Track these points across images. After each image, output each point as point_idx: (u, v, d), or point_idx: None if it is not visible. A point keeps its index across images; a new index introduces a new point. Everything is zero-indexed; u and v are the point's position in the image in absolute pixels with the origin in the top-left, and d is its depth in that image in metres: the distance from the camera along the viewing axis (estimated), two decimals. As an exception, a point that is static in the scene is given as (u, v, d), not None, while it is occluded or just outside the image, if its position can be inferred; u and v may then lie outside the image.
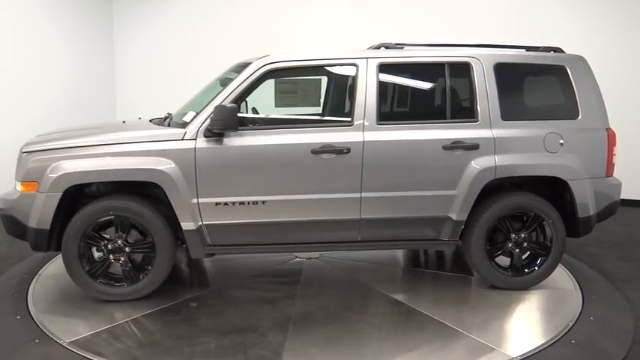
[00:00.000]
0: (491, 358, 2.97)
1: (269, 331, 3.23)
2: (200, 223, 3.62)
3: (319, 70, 4.09)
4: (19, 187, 3.57)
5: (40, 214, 3.50)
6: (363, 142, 3.66)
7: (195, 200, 3.58)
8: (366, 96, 3.71)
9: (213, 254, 3.82)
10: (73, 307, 3.56)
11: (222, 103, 3.50)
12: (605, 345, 3.19)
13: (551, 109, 4.03)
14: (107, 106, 8.63)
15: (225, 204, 3.62)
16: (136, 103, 8.53)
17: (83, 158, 3.52)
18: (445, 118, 3.83)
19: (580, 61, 4.00)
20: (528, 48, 4.12)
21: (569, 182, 3.84)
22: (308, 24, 7.81)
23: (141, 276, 3.67)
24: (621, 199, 4.14)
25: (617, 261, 4.73)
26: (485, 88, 3.81)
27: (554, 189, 4.00)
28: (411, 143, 3.72)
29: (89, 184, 3.74)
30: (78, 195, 3.72)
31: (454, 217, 3.79)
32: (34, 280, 4.05)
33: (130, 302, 3.62)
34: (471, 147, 3.73)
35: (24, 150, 3.64)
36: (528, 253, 4.00)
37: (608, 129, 3.95)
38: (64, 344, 3.04)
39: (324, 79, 4.65)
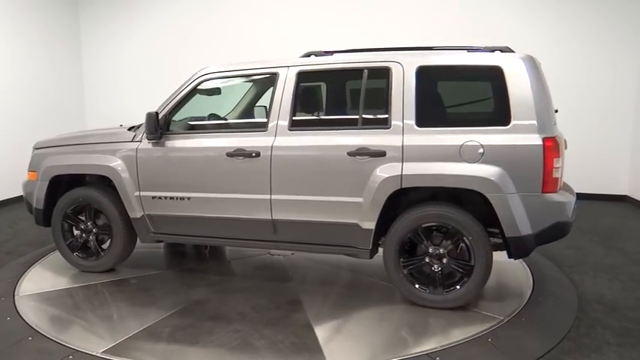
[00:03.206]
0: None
1: (160, 309, 3.70)
2: (142, 213, 4.25)
3: (248, 78, 4.35)
4: (27, 176, 4.65)
5: (37, 196, 4.53)
6: (272, 146, 3.86)
7: (137, 193, 4.21)
8: (282, 102, 3.90)
9: (160, 241, 4.40)
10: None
11: (149, 111, 4.06)
12: (553, 321, 3.55)
13: (477, 115, 3.67)
14: (76, 114, 8.87)
15: (160, 198, 4.18)
16: (104, 110, 8.94)
17: (64, 154, 4.45)
18: (357, 124, 3.79)
19: (524, 61, 3.52)
20: (470, 49, 3.79)
21: (488, 196, 3.46)
22: (282, 32, 8.10)
23: (102, 253, 4.45)
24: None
25: (565, 249, 5.13)
26: (401, 93, 3.66)
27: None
28: (316, 149, 3.80)
29: (85, 175, 4.66)
30: (78, 183, 4.65)
31: (362, 225, 3.73)
32: (18, 283, 4.27)
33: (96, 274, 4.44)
34: (377, 154, 3.63)
35: (34, 146, 4.71)
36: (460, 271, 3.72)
37: (547, 138, 3.42)
38: (56, 340, 3.25)
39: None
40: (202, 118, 4.51)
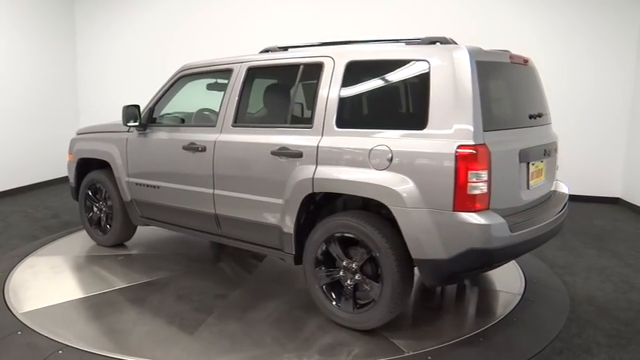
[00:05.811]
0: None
1: (109, 285, 4.07)
2: (131, 198, 4.67)
3: (216, 74, 4.38)
4: (68, 157, 5.45)
5: (71, 175, 5.29)
6: (215, 142, 3.91)
7: (127, 179, 4.65)
8: (229, 98, 3.92)
9: (148, 224, 4.77)
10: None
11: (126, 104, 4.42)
12: (544, 321, 3.55)
13: (395, 117, 3.19)
14: (70, 108, 8.78)
15: (141, 185, 4.55)
16: (98, 104, 8.78)
17: (86, 141, 5.11)
18: (286, 122, 3.63)
19: (458, 55, 2.96)
20: (409, 41, 3.33)
21: (391, 209, 3.03)
22: (278, 25, 7.97)
23: (108, 229, 5.02)
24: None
25: (557, 250, 5.12)
26: (327, 90, 3.40)
27: None
28: (246, 146, 3.75)
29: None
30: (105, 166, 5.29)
31: (283, 228, 3.57)
32: (9, 277, 4.20)
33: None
34: (295, 155, 3.44)
35: (76, 132, 5.49)
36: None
37: (464, 146, 2.84)
38: (44, 333, 3.21)
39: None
40: (190, 113, 4.75)
